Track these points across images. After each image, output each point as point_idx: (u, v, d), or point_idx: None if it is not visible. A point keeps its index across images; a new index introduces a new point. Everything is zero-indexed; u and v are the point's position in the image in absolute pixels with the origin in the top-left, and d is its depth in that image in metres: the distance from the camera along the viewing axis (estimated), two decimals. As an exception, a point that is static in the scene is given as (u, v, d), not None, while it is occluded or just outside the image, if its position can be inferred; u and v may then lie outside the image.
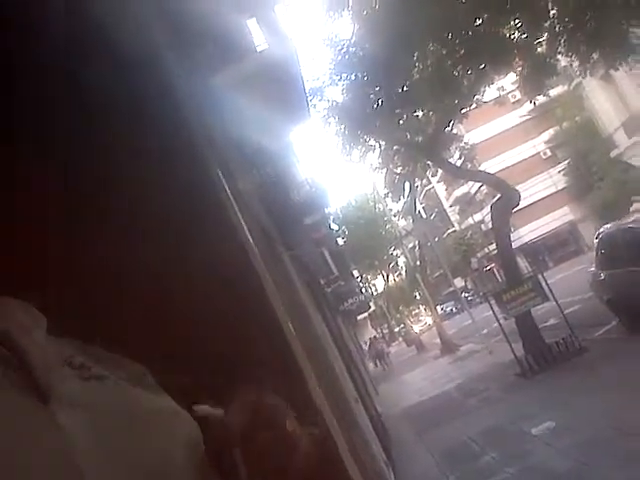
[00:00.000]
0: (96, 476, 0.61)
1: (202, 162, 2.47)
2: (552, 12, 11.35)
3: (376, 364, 35.36)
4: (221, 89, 5.15)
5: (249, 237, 2.69)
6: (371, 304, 42.42)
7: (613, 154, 33.46)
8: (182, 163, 2.36)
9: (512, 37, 11.77)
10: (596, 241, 11.49)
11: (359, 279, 37.25)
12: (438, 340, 27.28)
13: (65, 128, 2.17)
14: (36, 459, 0.60)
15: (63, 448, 0.61)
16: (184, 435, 0.76)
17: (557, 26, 11.39)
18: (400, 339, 48.47)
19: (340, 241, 29.37)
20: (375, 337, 45.70)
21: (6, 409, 0.62)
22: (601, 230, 11.41)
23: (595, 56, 11.83)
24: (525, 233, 52.64)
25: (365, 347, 39.39)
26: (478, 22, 11.25)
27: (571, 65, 12.99)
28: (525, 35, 11.60)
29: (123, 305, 2.19)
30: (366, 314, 43.14)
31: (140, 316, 2.20)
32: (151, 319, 2.19)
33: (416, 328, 43.45)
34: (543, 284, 11.98)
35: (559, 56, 12.37)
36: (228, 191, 2.75)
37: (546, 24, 11.44)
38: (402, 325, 50.01)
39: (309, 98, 11.77)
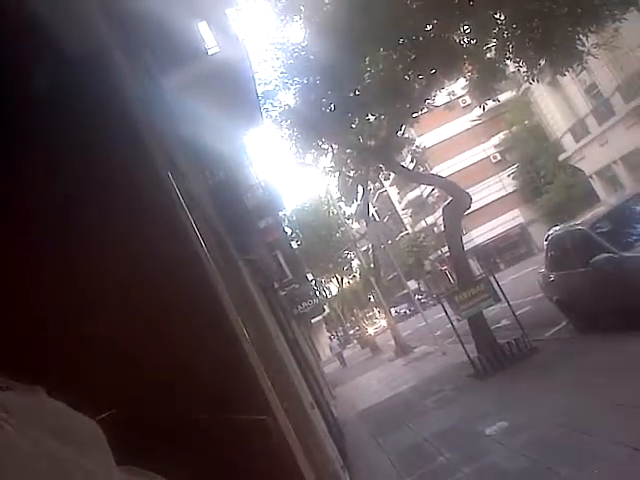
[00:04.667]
0: None
1: (151, 164, 2.41)
2: (501, 18, 11.56)
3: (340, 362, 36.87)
4: (172, 90, 5.07)
5: (201, 241, 2.64)
6: (325, 307, 42.51)
7: (561, 158, 34.29)
8: (131, 165, 2.30)
9: (462, 42, 11.95)
10: (546, 243, 11.73)
11: (313, 282, 37.25)
12: (393, 342, 27.47)
13: (9, 127, 2.09)
14: None
15: None
16: None
17: (505, 32, 11.59)
18: (355, 341, 48.69)
19: (294, 244, 29.37)
20: (330, 338, 46.02)
21: None
22: (550, 232, 11.65)
23: (542, 62, 12.09)
24: (477, 235, 53.59)
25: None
26: (428, 28, 11.38)
27: (519, 70, 13.25)
28: (474, 41, 11.79)
29: (66, 305, 2.12)
30: (321, 317, 43.19)
31: (87, 325, 2.13)
32: (97, 326, 2.12)
33: (371, 330, 43.67)
34: (495, 285, 12.17)
35: (508, 61, 12.60)
36: (179, 194, 2.69)
37: (495, 30, 11.64)
38: (357, 328, 50.20)
39: (262, 102, 11.71)
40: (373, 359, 31.48)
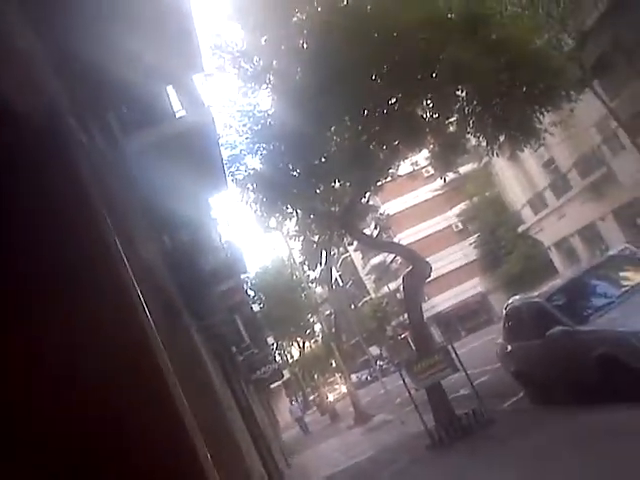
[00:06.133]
0: None
1: (98, 230, 2.36)
2: (462, 95, 11.98)
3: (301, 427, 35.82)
4: (137, 152, 5.07)
5: (146, 312, 2.57)
6: (285, 372, 41.89)
7: (520, 229, 35.08)
8: (76, 231, 2.25)
9: (424, 116, 12.32)
10: (504, 313, 11.83)
11: (274, 346, 36.86)
12: (352, 409, 27.09)
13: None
14: None
15: None
16: None
17: (466, 108, 12.01)
18: (314, 408, 47.83)
19: (256, 307, 29.11)
20: (291, 402, 45.16)
21: None
22: (509, 302, 11.77)
23: (502, 138, 12.53)
24: (438, 302, 53.95)
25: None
26: (392, 101, 11.72)
27: (480, 145, 13.67)
28: (436, 115, 12.16)
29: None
30: (280, 382, 42.52)
31: (22, 395, 2.04)
32: (33, 395, 2.04)
33: (330, 397, 43.02)
34: (453, 355, 12.17)
35: (468, 136, 13.00)
36: (125, 261, 2.63)
37: (456, 106, 12.05)
38: (317, 394, 49.46)
39: (228, 165, 11.80)
40: (332, 426, 30.91)
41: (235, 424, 6.17)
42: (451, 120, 12.48)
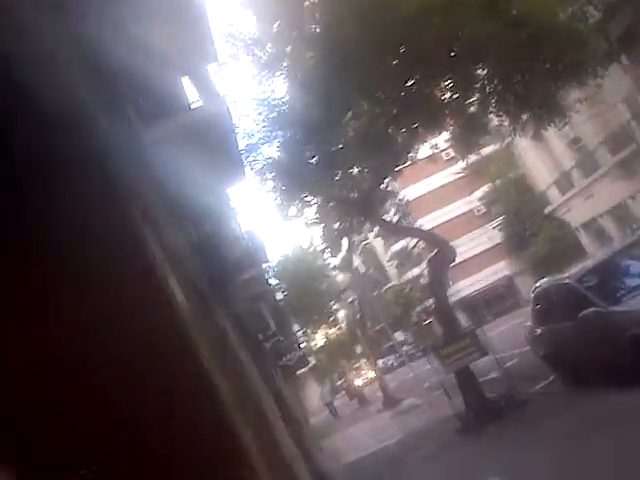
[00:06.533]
0: None
1: (130, 220, 2.37)
2: (482, 74, 11.74)
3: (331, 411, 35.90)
4: (156, 144, 5.07)
5: (180, 297, 2.58)
6: (310, 359, 42.01)
7: (547, 210, 34.52)
8: (108, 222, 2.26)
9: (443, 97, 12.10)
10: (532, 296, 11.69)
11: (299, 333, 37.02)
12: (380, 394, 27.15)
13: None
14: None
15: None
16: None
17: (487, 87, 11.75)
18: (342, 393, 48.00)
19: (279, 295, 29.23)
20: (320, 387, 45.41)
21: None
22: (537, 285, 11.61)
23: (524, 117, 12.25)
24: (463, 287, 53.62)
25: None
26: (410, 82, 11.52)
27: (502, 125, 13.41)
28: (456, 95, 11.93)
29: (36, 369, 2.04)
30: (306, 369, 42.67)
31: (62, 388, 2.05)
32: (75, 391, 2.05)
33: (358, 382, 43.12)
34: (481, 338, 12.09)
35: (490, 116, 12.76)
36: (158, 249, 2.65)
37: (476, 85, 11.81)
38: (343, 379, 49.59)
39: (245, 155, 11.77)
40: (360, 410, 31.04)
41: (267, 407, 6.20)
42: (471, 100, 12.22)
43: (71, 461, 1.68)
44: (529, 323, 11.83)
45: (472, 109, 12.53)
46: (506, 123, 12.63)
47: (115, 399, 2.08)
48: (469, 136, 12.89)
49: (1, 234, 2.08)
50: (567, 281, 9.90)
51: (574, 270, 10.42)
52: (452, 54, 11.07)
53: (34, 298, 2.12)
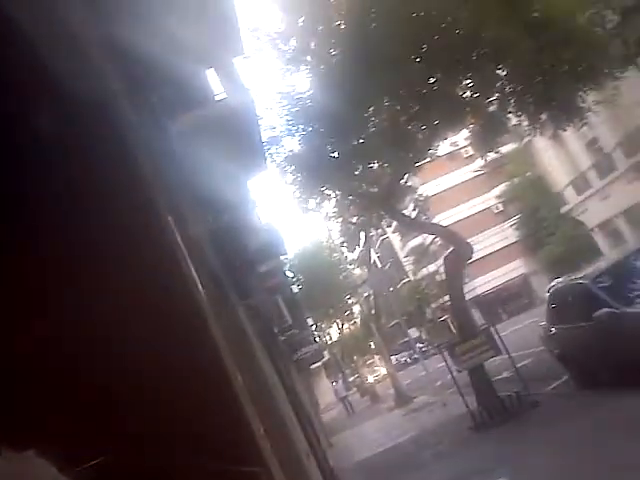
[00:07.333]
0: None
1: (153, 207, 2.42)
2: (503, 73, 11.77)
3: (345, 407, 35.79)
4: (178, 134, 5.14)
5: (199, 285, 2.63)
6: (325, 353, 42.08)
7: (563, 210, 34.35)
8: (132, 208, 2.31)
9: (464, 96, 12.13)
10: (547, 295, 11.67)
11: (314, 327, 37.04)
12: (392, 391, 27.14)
13: (13, 173, 2.12)
14: None
15: None
16: None
17: (507, 87, 11.81)
18: (355, 389, 48.04)
19: (295, 289, 29.29)
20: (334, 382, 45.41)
21: None
22: (552, 284, 11.60)
23: (543, 117, 12.28)
24: (479, 285, 53.41)
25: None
26: (432, 80, 11.58)
27: (521, 124, 13.42)
28: (477, 94, 11.97)
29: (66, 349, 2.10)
30: (320, 363, 42.75)
31: (87, 369, 2.11)
32: (96, 371, 2.11)
33: (370, 378, 43.12)
34: (496, 337, 12.08)
35: (509, 115, 12.77)
36: (178, 237, 2.70)
37: (497, 84, 11.85)
38: (356, 375, 49.62)
39: (266, 147, 11.84)
40: (372, 408, 31.04)
41: (280, 401, 6.25)
42: (492, 99, 12.27)
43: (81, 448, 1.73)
44: (544, 323, 11.81)
45: (492, 108, 12.55)
46: (525, 123, 12.62)
47: (128, 384, 2.11)
48: (488, 134, 12.92)
49: (22, 219, 2.12)
50: (581, 281, 9.89)
51: (589, 270, 10.41)
52: (474, 54, 11.11)
53: (52, 282, 2.15)
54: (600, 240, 31.45)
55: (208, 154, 5.22)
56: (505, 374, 14.46)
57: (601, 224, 30.88)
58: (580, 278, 10.15)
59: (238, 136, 5.61)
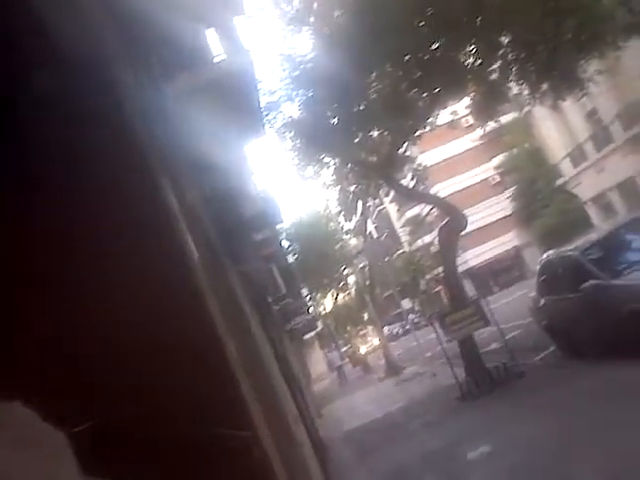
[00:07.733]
0: None
1: (148, 169, 2.39)
2: (505, 41, 11.64)
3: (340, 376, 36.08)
4: (175, 97, 5.05)
5: (194, 249, 2.61)
6: (319, 323, 42.29)
7: (558, 183, 34.27)
8: (128, 171, 2.28)
9: (466, 63, 12.00)
10: (538, 267, 11.73)
11: (308, 297, 37.16)
12: (384, 362, 27.36)
13: (10, 134, 2.09)
14: None
15: None
16: None
17: (510, 54, 11.69)
18: (347, 359, 48.51)
19: (290, 258, 29.28)
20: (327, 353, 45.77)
21: None
22: (544, 256, 11.65)
23: (544, 86, 12.19)
24: (472, 257, 53.56)
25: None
26: (435, 47, 11.42)
27: (521, 93, 13.32)
28: (479, 62, 11.84)
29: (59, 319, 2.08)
30: (313, 333, 42.97)
31: (70, 336, 2.10)
32: (82, 337, 2.09)
33: (363, 349, 43.45)
34: (485, 308, 12.16)
35: (511, 84, 12.67)
36: (174, 200, 2.67)
37: (499, 52, 11.72)
38: (349, 345, 49.97)
39: (265, 112, 11.71)
40: (364, 378, 31.29)
41: (272, 369, 6.29)
42: (493, 67, 12.14)
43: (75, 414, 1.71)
44: (534, 294, 11.88)
45: (493, 76, 12.43)
46: (526, 92, 12.53)
47: (124, 346, 2.11)
48: (489, 102, 12.82)
49: (17, 185, 2.10)
50: (571, 253, 9.91)
51: (579, 242, 10.42)
52: (478, 20, 10.95)
53: (55, 255, 2.13)
54: (593, 213, 31.44)
55: (205, 117, 5.14)
56: (494, 345, 14.58)
57: (595, 197, 30.81)
58: (570, 250, 10.17)
59: (236, 99, 5.52)
